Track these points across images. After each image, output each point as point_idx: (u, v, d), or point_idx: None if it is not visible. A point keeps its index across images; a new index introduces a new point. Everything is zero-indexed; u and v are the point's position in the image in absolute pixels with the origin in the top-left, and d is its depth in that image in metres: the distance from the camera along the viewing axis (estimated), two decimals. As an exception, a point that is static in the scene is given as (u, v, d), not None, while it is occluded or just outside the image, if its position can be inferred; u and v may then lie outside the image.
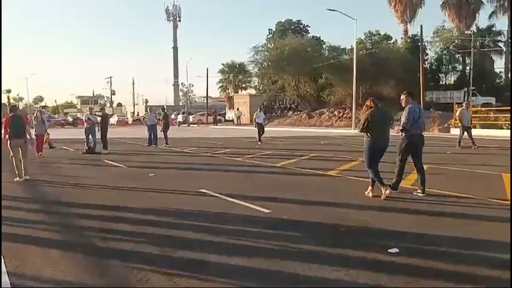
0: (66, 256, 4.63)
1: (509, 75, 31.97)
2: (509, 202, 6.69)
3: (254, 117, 21.67)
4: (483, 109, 30.34)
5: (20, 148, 9.45)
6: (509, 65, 31.84)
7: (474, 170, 10.60)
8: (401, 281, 3.83)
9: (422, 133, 7.72)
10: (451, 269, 4.07)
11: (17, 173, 9.53)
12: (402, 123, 7.43)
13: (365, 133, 7.30)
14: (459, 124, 17.23)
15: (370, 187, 7.45)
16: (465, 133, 16.88)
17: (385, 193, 7.13)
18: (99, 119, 16.77)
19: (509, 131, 20.92)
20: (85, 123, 16.37)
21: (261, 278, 3.98)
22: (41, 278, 4.03)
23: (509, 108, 24.78)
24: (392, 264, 4.21)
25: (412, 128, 7.42)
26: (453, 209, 6.52)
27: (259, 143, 19.86)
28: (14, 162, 9.50)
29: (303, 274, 4.02)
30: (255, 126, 21.12)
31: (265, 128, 22.00)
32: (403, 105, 7.70)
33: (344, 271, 4.04)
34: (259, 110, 22.68)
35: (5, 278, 3.97)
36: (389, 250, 4.55)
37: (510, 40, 38.92)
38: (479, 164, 11.62)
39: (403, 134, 7.48)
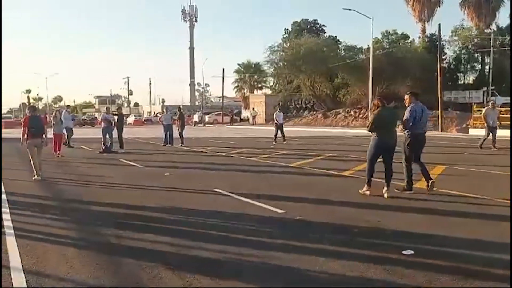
0: (81, 254, 4.68)
1: (510, 74, 31.31)
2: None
3: (274, 117, 20.86)
4: (502, 109, 29.73)
5: (36, 148, 9.66)
6: (510, 65, 31.18)
7: (490, 171, 10.39)
8: (415, 283, 3.77)
9: (425, 133, 7.81)
10: (463, 270, 4.00)
11: (35, 171, 9.72)
12: (403, 121, 7.57)
13: (373, 132, 7.46)
14: (485, 124, 16.74)
15: (365, 186, 7.60)
16: (490, 134, 16.30)
17: (365, 189, 7.51)
18: (116, 118, 16.96)
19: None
20: (102, 123, 16.55)
21: (274, 278, 3.96)
22: (57, 276, 4.09)
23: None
24: (407, 266, 4.15)
25: (415, 127, 7.51)
26: (470, 210, 6.41)
27: (274, 143, 19.70)
28: (32, 161, 9.69)
29: (316, 275, 3.99)
30: (275, 126, 20.65)
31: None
32: (406, 105, 7.79)
33: (358, 272, 4.01)
34: (278, 110, 21.95)
35: (21, 276, 4.04)
36: (403, 252, 4.50)
37: (510, 40, 38.02)
38: (498, 165, 11.38)
39: (407, 133, 7.59)
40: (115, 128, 16.61)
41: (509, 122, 26.94)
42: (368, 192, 7.46)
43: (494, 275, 3.94)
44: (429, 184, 7.63)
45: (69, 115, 18.88)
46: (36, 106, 10.93)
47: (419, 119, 7.51)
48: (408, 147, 7.62)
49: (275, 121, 20.69)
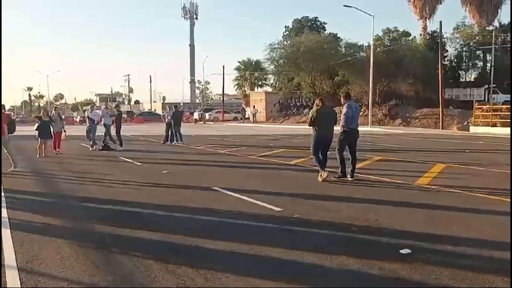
0: (76, 253, 4.65)
1: (510, 74, 31.20)
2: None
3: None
4: (504, 107, 29.65)
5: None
6: (510, 65, 31.06)
7: (491, 169, 10.35)
8: (412, 282, 3.74)
9: (358, 128, 9.03)
10: (461, 268, 3.96)
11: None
12: (341, 118, 8.74)
13: (312, 127, 8.69)
14: None
15: (321, 173, 8.63)
16: None
17: (322, 175, 8.55)
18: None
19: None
20: (87, 121, 16.51)
21: (271, 276, 3.92)
22: (51, 274, 4.06)
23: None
24: (404, 265, 4.11)
25: (348, 123, 8.65)
26: (469, 208, 6.37)
27: None
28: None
29: (311, 273, 3.96)
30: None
31: (281, 126, 21.40)
32: (342, 104, 9.01)
33: (355, 271, 3.97)
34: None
35: (15, 274, 4.01)
36: (401, 251, 4.46)
37: (510, 38, 37.81)
38: (499, 164, 11.33)
39: (342, 129, 8.74)
40: (114, 126, 16.58)
41: (506, 120, 26.89)
42: (325, 174, 8.53)
43: (493, 274, 3.90)
44: (339, 176, 8.75)
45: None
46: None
47: (352, 115, 8.70)
48: (341, 140, 8.79)
49: None
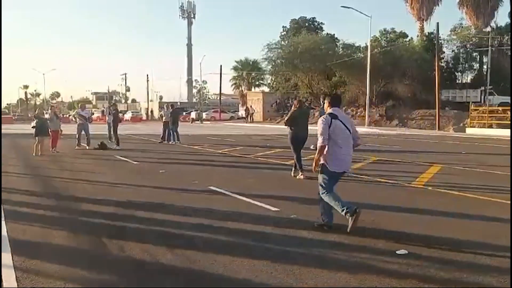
0: (73, 251, 4.65)
1: (510, 74, 31.34)
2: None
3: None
4: (500, 108, 29.79)
5: None
6: (510, 64, 31.21)
7: (489, 171, 10.39)
8: (409, 283, 3.75)
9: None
10: (459, 269, 3.97)
11: None
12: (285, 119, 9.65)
13: (288, 127, 9.32)
14: None
15: (294, 171, 9.37)
16: None
17: (297, 176, 9.15)
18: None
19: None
20: (77, 120, 16.43)
21: (268, 277, 3.92)
22: (47, 273, 4.04)
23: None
24: (400, 266, 4.12)
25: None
26: (466, 209, 6.39)
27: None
28: None
29: (308, 275, 3.96)
30: None
31: (278, 126, 21.35)
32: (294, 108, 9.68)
33: (351, 272, 3.98)
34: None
35: (12, 273, 3.99)
36: (397, 252, 4.47)
37: (510, 40, 37.97)
38: (496, 166, 11.38)
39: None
40: (111, 125, 16.55)
41: (502, 122, 27.03)
42: (301, 176, 9.01)
43: (490, 275, 3.91)
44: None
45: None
46: None
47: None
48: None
49: None
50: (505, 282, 3.76)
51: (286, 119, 9.57)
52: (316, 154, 5.30)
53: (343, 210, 5.09)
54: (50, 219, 6.07)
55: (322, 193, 5.35)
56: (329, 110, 5.41)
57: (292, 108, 9.62)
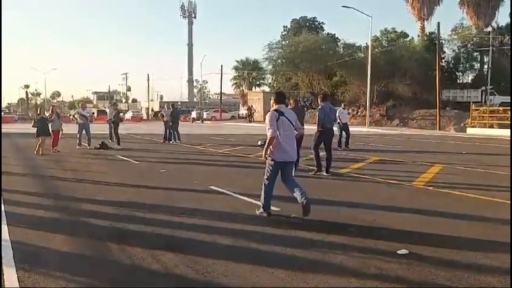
0: (75, 251, 4.65)
1: (510, 74, 31.36)
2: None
3: (337, 115, 13.75)
4: (500, 108, 29.78)
5: None
6: (510, 64, 31.22)
7: (488, 170, 10.39)
8: (410, 282, 3.76)
9: (333, 127, 10.00)
10: (459, 269, 3.98)
11: None
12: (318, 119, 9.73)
13: None
14: None
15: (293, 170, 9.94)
16: None
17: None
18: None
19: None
20: (78, 119, 16.43)
21: (268, 277, 3.93)
22: (49, 273, 4.05)
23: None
24: (401, 266, 4.13)
25: (321, 123, 9.61)
26: (466, 208, 6.40)
27: (341, 148, 15.16)
28: None
29: (309, 275, 3.96)
30: (339, 128, 15.56)
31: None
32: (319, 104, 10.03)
33: (352, 271, 3.98)
34: (342, 106, 17.63)
35: (14, 274, 4.00)
36: (398, 252, 4.48)
37: (510, 40, 37.98)
38: (497, 166, 11.37)
39: (317, 128, 9.69)
40: (112, 124, 16.55)
41: (502, 122, 27.00)
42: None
43: (490, 275, 3.92)
44: (315, 171, 9.62)
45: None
46: None
47: (324, 116, 9.60)
48: (316, 138, 9.73)
49: (339, 121, 15.34)
50: (505, 282, 3.77)
51: None
52: (266, 144, 5.83)
53: (263, 206, 5.90)
54: (51, 219, 6.08)
55: (265, 179, 5.92)
56: (275, 107, 6.01)
57: (288, 107, 9.61)
